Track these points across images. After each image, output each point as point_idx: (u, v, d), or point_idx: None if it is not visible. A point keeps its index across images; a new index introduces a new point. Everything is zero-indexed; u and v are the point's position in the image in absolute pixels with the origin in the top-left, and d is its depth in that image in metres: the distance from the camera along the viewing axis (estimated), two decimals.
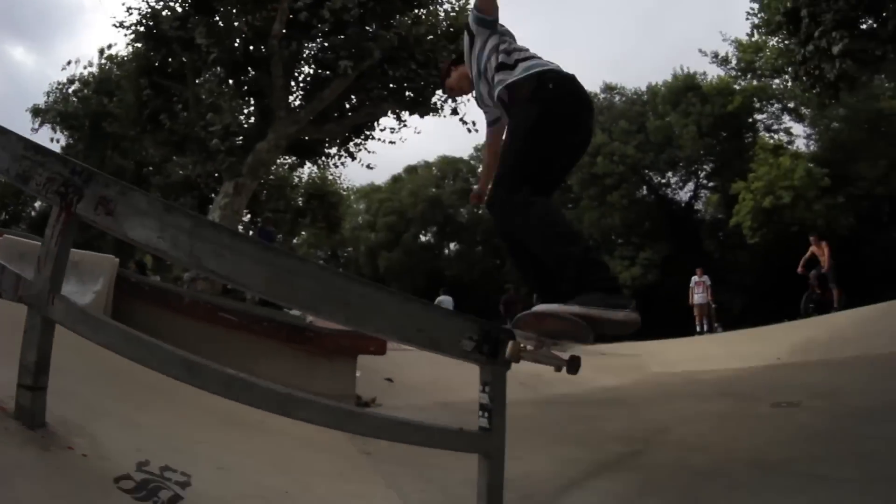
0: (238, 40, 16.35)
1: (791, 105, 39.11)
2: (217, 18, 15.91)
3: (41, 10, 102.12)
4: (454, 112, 17.90)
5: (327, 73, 16.41)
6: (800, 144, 39.45)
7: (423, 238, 56.09)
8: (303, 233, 39.93)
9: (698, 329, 18.51)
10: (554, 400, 9.77)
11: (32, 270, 6.09)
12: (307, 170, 27.02)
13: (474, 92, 4.11)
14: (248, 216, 24.74)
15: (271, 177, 25.56)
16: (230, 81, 17.27)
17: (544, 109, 3.38)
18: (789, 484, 4.00)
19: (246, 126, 16.92)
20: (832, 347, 11.10)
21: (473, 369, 8.95)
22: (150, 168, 25.79)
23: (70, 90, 38.00)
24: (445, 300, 21.93)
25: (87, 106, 35.81)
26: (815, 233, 18.82)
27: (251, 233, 17.06)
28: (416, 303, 3.27)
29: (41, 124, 37.84)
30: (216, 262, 2.81)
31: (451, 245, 57.20)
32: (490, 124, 4.30)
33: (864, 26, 17.88)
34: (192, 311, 7.56)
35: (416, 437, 3.39)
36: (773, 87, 37.71)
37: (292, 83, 17.20)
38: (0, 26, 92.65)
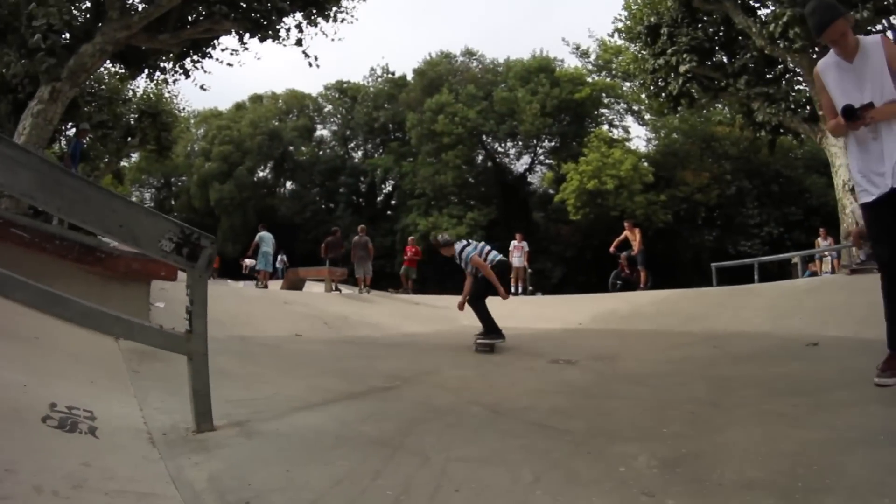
0: None
1: (636, 108, 42.40)
2: None
3: None
4: (298, 43, 17.26)
5: None
6: (639, 144, 43.43)
7: (259, 173, 54.55)
8: (132, 155, 37.38)
9: (513, 290, 19.03)
10: (350, 340, 9.80)
11: None
12: (142, 84, 25.22)
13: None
14: (73, 129, 22.51)
15: (103, 87, 23.59)
16: None
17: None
18: (510, 428, 4.01)
19: (73, 24, 15.24)
20: (630, 320, 11.72)
21: (276, 305, 8.73)
22: None
23: None
24: (266, 237, 21.09)
25: None
26: (630, 219, 20.67)
27: (70, 146, 15.54)
28: (121, 199, 3.44)
29: None
30: None
31: (287, 183, 56.13)
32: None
33: (715, 58, 20.02)
34: None
35: (118, 329, 3.66)
36: (623, 89, 40.59)
37: None
38: None
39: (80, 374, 4.41)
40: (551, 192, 42.34)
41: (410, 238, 26.84)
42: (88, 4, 16.64)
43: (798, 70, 17.95)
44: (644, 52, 21.24)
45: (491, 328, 8.97)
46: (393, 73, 53.54)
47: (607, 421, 4.17)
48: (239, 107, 57.39)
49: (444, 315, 14.55)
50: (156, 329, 3.48)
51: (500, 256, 9.75)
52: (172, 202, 60.17)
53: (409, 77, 51.42)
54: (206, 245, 3.45)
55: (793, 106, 18.35)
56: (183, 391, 3.96)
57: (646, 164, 38.54)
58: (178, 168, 54.50)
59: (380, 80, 54.25)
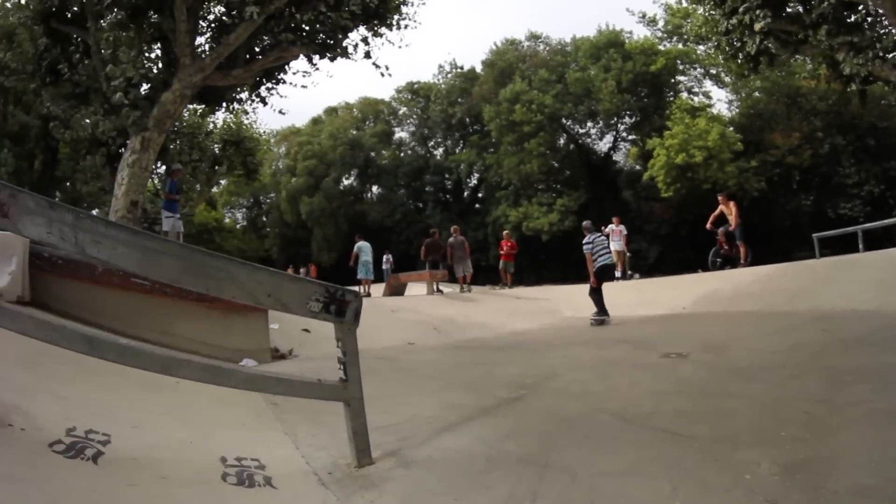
0: None
1: (713, 71, 40.12)
2: None
3: None
4: (367, 55, 17.57)
5: (234, 15, 15.81)
6: (721, 108, 40.79)
7: (344, 182, 55.29)
8: (222, 182, 38.71)
9: (617, 276, 18.87)
10: (462, 345, 10.05)
11: None
12: (221, 116, 26.21)
13: None
14: (164, 168, 23.71)
15: (184, 124, 24.65)
16: (132, 27, 16.09)
17: None
18: (640, 437, 4.25)
19: (150, 76, 16.05)
20: (735, 301, 11.59)
21: (384, 314, 9.12)
22: (58, 122, 24.23)
23: None
24: (364, 246, 21.65)
25: None
26: (723, 192, 19.27)
27: (167, 185, 16.28)
28: (264, 271, 3.65)
29: None
30: (97, 250, 3.22)
31: (374, 188, 56.63)
32: None
33: (789, 9, 18.48)
34: (106, 280, 7.67)
35: (280, 388, 3.92)
36: (698, 53, 38.08)
37: (200, 26, 16.48)
38: None
39: (229, 418, 4.78)
40: (638, 168, 41.05)
41: (505, 232, 26.87)
42: (159, 52, 17.51)
43: (881, 11, 16.72)
44: (714, 13, 19.84)
45: (601, 310, 11.92)
46: (461, 68, 53.24)
47: (727, 424, 4.36)
48: (316, 121, 58.52)
49: (547, 307, 14.74)
50: (315, 383, 3.77)
51: (606, 262, 12.49)
52: (264, 219, 62.04)
53: (479, 69, 51.08)
54: (351, 300, 3.72)
55: (881, 53, 16.86)
56: (324, 420, 4.44)
57: (731, 129, 36.14)
58: (266, 186, 55.51)
59: (449, 76, 53.98)
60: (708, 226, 17.37)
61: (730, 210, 16.66)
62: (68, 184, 36.99)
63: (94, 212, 41.17)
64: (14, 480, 2.99)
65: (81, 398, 4.45)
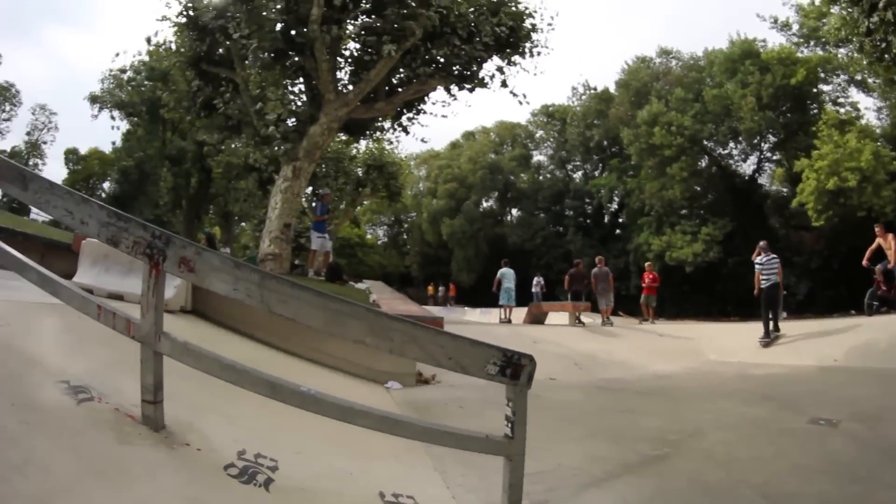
0: (278, 26, 16.32)
1: (858, 77, 36.36)
2: (253, 5, 15.91)
3: None
4: (503, 84, 17.68)
5: (371, 52, 16.36)
6: (870, 118, 36.72)
7: (484, 204, 55.80)
8: (364, 202, 40.11)
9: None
10: (604, 385, 9.85)
11: (119, 273, 6.76)
12: (364, 142, 27.26)
13: None
14: (311, 190, 25.05)
15: (328, 151, 25.86)
16: (276, 67, 17.33)
17: None
18: None
19: (297, 111, 17.00)
20: (892, 355, 10.54)
21: (526, 344, 9.00)
22: (212, 147, 26.34)
23: (124, 78, 40.94)
24: (508, 273, 21.63)
25: (142, 94, 37.67)
26: (880, 222, 17.28)
27: (317, 208, 17.21)
28: (446, 336, 3.82)
29: (100, 110, 41.90)
30: (283, 308, 3.55)
31: (513, 211, 56.80)
32: None
33: None
34: None
35: (451, 441, 4.03)
36: (839, 57, 35.24)
37: (339, 62, 17.18)
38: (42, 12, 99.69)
39: (383, 448, 4.88)
40: (785, 192, 38.22)
41: (647, 264, 26.19)
42: (302, 86, 18.48)
43: None
44: (851, 11, 18.17)
45: (765, 329, 13.26)
46: (595, 89, 52.71)
47: None
48: (454, 145, 59.83)
49: (690, 348, 14.21)
50: (482, 438, 3.85)
51: (772, 282, 13.66)
52: (405, 237, 63.76)
53: (612, 89, 50.32)
54: (526, 364, 3.79)
55: None
56: (473, 459, 4.47)
57: (882, 145, 31.64)
58: (407, 206, 56.72)
59: (583, 97, 53.66)
60: (864, 262, 15.43)
61: (888, 244, 14.80)
62: (222, 200, 40.16)
63: (243, 225, 43.74)
64: (197, 500, 3.21)
65: (246, 419, 4.71)
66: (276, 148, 16.04)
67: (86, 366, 4.59)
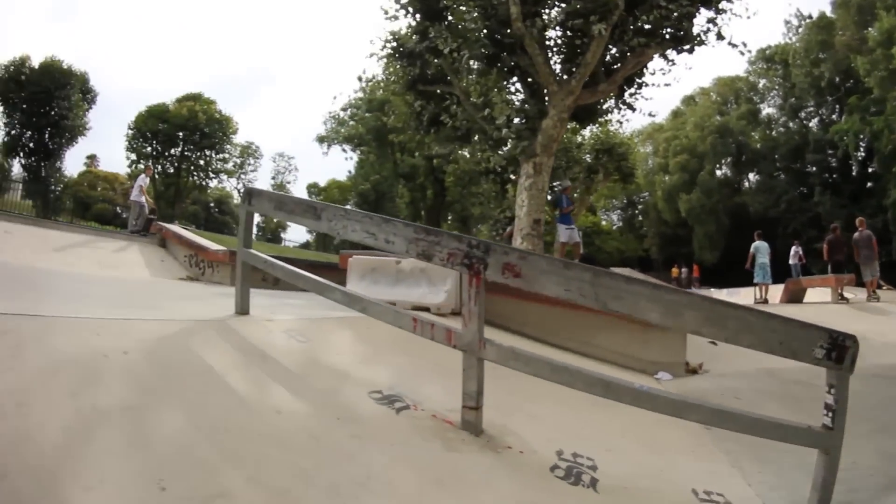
0: (482, 33, 16.49)
1: None
2: (452, 20, 16.38)
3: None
4: (719, 37, 16.71)
5: (580, 35, 16.17)
6: None
7: (718, 173, 52.99)
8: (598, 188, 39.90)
9: None
10: (880, 372, 8.89)
11: (387, 284, 7.41)
12: (587, 128, 26.98)
13: None
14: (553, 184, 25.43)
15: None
16: (493, 72, 17.61)
17: None
18: None
19: (525, 109, 17.23)
20: None
21: None
22: (443, 159, 27.85)
23: (344, 116, 46.75)
24: (762, 246, 20.15)
25: (366, 124, 41.09)
26: None
27: (561, 201, 17.41)
28: (777, 319, 3.68)
29: (329, 147, 48.82)
30: (618, 304, 3.61)
31: (750, 176, 53.62)
32: None
33: None
34: (532, 295, 8.27)
35: (772, 432, 3.83)
36: None
37: (550, 54, 17.17)
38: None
39: (676, 442, 4.80)
40: None
41: None
42: (519, 85, 18.61)
43: None
44: None
45: None
46: (810, 17, 46.83)
47: None
48: (676, 114, 57.37)
49: None
50: (803, 428, 3.63)
51: None
52: (639, 218, 62.29)
53: (829, 12, 44.44)
54: (850, 345, 3.57)
55: None
56: (765, 454, 4.36)
57: None
58: (640, 186, 55.03)
59: (800, 30, 47.96)
60: None
61: None
62: (458, 206, 42.57)
63: (479, 227, 45.39)
64: None
65: (549, 417, 4.77)
66: (512, 148, 16.42)
67: (390, 375, 4.80)
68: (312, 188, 67.61)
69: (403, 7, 17.66)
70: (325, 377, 4.55)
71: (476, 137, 18.31)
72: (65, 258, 12.03)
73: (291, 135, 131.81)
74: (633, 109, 19.42)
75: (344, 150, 49.04)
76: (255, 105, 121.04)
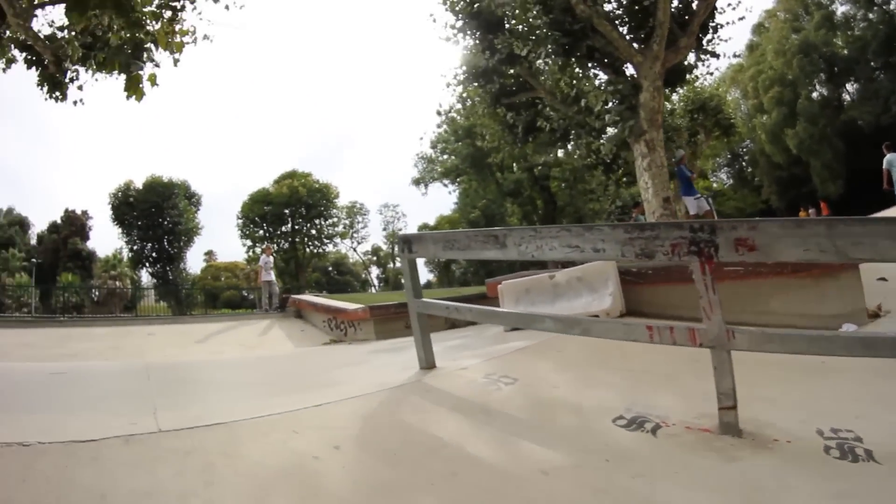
0: (549, 29, 16.25)
1: None
2: (513, 25, 16.19)
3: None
4: None
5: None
6: None
7: (815, 96, 49.86)
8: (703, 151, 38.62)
9: None
10: None
11: (545, 302, 6.77)
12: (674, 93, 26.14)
13: None
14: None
15: None
16: (571, 61, 17.25)
17: None
18: None
19: (618, 88, 16.71)
20: None
21: None
22: (544, 165, 27.72)
23: (436, 152, 48.45)
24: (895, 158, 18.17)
25: (460, 153, 41.45)
26: None
27: (679, 173, 16.95)
28: None
29: (426, 186, 51.17)
30: (859, 251, 3.21)
31: (847, 87, 50.24)
32: None
33: None
34: (680, 274, 7.88)
35: None
36: None
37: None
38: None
39: None
40: None
41: None
42: (600, 72, 18.10)
43: None
44: None
45: None
46: None
47: None
48: (752, 47, 54.60)
49: None
50: None
51: None
52: (749, 170, 59.92)
53: None
54: None
55: None
56: None
57: None
58: (741, 136, 52.28)
59: None
60: None
61: None
62: (570, 208, 42.38)
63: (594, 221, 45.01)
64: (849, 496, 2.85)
65: (781, 397, 4.35)
66: (619, 132, 16.04)
67: (616, 395, 4.49)
68: (424, 228, 68.23)
69: (461, 30, 17.60)
70: (560, 418, 4.21)
71: (573, 133, 17.94)
72: (210, 347, 12.43)
73: (388, 186, 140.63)
74: (717, 55, 18.90)
75: (444, 185, 50.79)
76: (345, 168, 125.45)
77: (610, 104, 16.31)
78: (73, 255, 53.76)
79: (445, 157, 47.91)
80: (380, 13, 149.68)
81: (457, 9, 17.92)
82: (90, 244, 58.15)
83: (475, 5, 17.38)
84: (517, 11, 16.55)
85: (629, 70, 16.48)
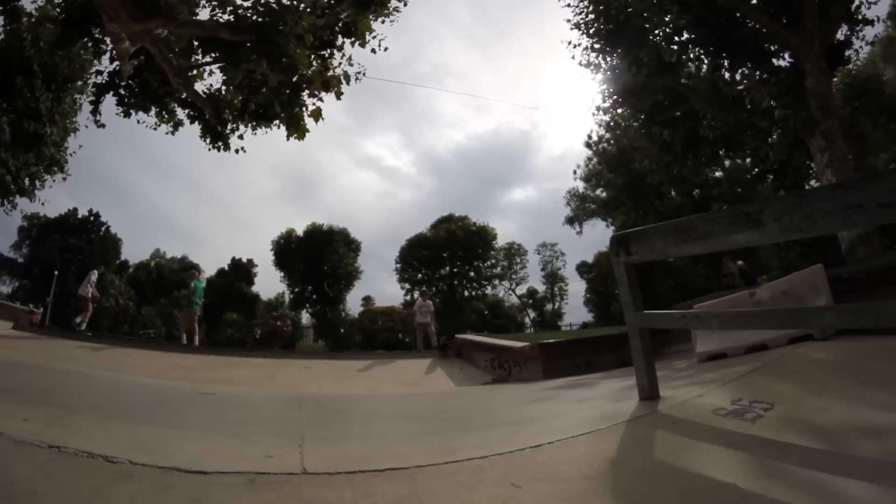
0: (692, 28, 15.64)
1: None
2: (654, 33, 15.79)
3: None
4: None
5: None
6: None
7: None
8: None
9: None
10: None
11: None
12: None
13: None
14: None
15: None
16: (723, 62, 16.44)
17: None
18: None
19: (780, 79, 15.60)
20: None
21: None
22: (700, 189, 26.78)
23: (588, 187, 48.33)
24: None
25: (614, 185, 40.38)
26: None
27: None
28: None
29: (580, 224, 51.11)
30: None
31: None
32: None
33: None
34: None
35: None
36: None
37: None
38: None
39: None
40: None
41: None
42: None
43: None
44: None
45: None
46: None
47: None
48: None
49: None
50: None
51: None
52: None
53: None
54: None
55: None
56: None
57: None
58: None
59: None
60: None
61: None
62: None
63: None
64: None
65: None
66: (790, 128, 15.02)
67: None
68: (583, 267, 68.68)
69: (601, 51, 17.12)
70: (857, 444, 3.31)
71: (738, 140, 16.89)
72: (366, 382, 12.16)
73: (542, 225, 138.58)
74: (871, 22, 17.22)
75: (604, 220, 49.35)
76: (499, 209, 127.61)
77: (777, 96, 15.24)
78: (238, 298, 58.26)
79: (599, 191, 47.07)
80: (523, 43, 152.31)
81: (591, 31, 17.42)
82: (254, 288, 62.68)
83: (610, 25, 16.81)
84: (655, 19, 15.90)
85: (782, 60, 15.67)
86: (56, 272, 49.63)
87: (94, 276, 19.72)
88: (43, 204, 27.97)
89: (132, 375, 9.99)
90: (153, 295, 62.37)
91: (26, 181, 25.02)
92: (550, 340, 12.17)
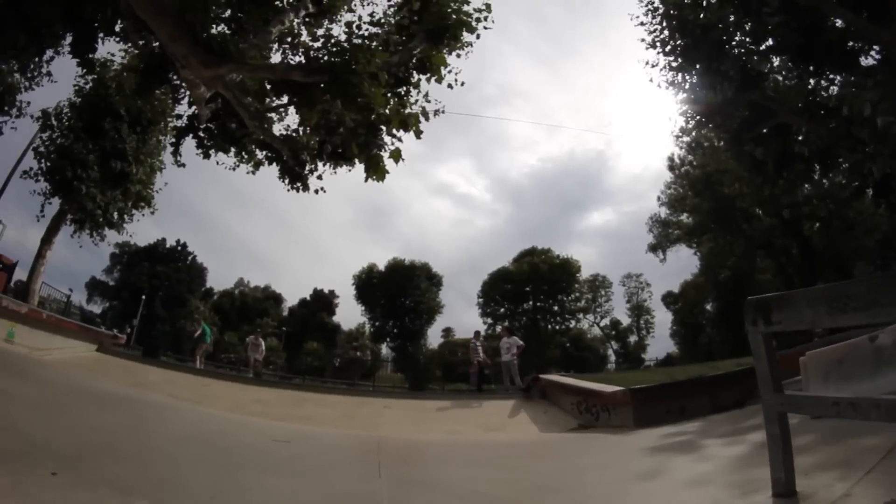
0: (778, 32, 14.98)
1: None
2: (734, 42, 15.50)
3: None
4: None
5: None
6: None
7: None
8: None
9: None
10: None
11: (865, 373, 6.16)
12: None
13: None
14: None
15: None
16: (809, 67, 15.60)
17: None
18: None
19: (876, 80, 14.71)
20: None
21: None
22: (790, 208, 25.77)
23: (673, 213, 47.74)
24: None
25: (700, 210, 39.07)
26: None
27: None
28: None
29: (664, 252, 49.85)
30: None
31: None
32: None
33: None
34: None
35: None
36: None
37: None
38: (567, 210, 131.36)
39: None
40: None
41: None
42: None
43: None
44: None
45: None
46: None
47: None
48: None
49: None
50: None
51: None
52: None
53: None
54: None
55: None
56: None
57: None
58: None
59: None
60: None
61: None
62: (826, 253, 37.10)
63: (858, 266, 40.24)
64: None
65: None
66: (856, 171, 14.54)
67: None
68: (669, 298, 68.13)
69: (680, 69, 16.48)
70: None
71: (835, 153, 15.92)
72: (447, 425, 12.00)
73: (623, 250, 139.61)
74: None
75: (690, 247, 48.69)
76: (577, 234, 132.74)
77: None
78: (319, 327, 60.17)
79: (685, 216, 45.49)
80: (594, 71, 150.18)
81: (668, 49, 16.74)
82: (335, 318, 66.60)
83: (687, 38, 16.10)
84: (731, 29, 15.23)
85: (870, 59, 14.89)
86: (143, 296, 52.69)
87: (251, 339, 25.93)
88: (131, 237, 31.04)
89: (210, 408, 10.54)
90: (237, 321, 65.63)
91: (115, 215, 26.69)
92: (642, 386, 11.53)
